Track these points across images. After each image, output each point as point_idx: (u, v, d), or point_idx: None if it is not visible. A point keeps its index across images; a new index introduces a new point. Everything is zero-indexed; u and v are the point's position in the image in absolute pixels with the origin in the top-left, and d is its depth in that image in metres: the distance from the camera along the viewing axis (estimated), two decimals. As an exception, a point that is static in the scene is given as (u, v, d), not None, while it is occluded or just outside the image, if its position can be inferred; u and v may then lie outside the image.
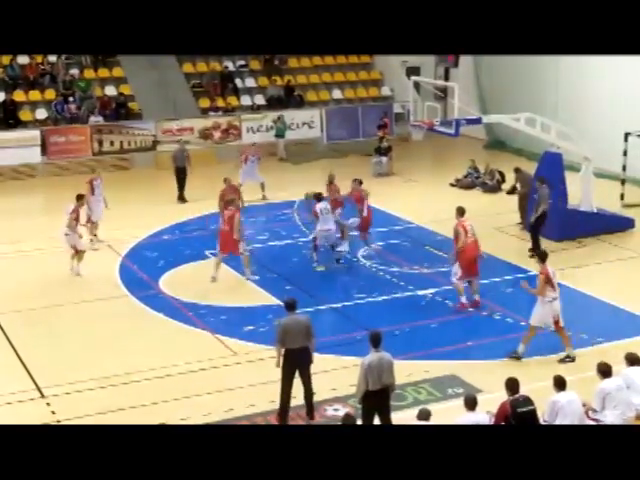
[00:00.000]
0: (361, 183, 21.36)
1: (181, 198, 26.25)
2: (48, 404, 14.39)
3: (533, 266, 19.98)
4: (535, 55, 18.04)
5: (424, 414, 11.39)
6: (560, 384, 11.86)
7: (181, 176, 26.24)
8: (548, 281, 15.26)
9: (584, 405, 12.00)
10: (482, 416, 11.20)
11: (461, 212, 18.13)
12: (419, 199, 25.89)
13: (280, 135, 31.75)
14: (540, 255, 15.95)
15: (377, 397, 12.47)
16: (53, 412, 14.04)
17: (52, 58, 32.72)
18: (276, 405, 13.99)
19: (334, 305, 18.23)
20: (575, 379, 12.47)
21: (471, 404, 11.31)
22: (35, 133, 30.09)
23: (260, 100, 34.16)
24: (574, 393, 11.92)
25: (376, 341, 12.55)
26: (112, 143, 30.89)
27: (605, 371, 12.21)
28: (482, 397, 12.99)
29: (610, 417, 11.93)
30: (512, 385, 11.64)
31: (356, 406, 14.03)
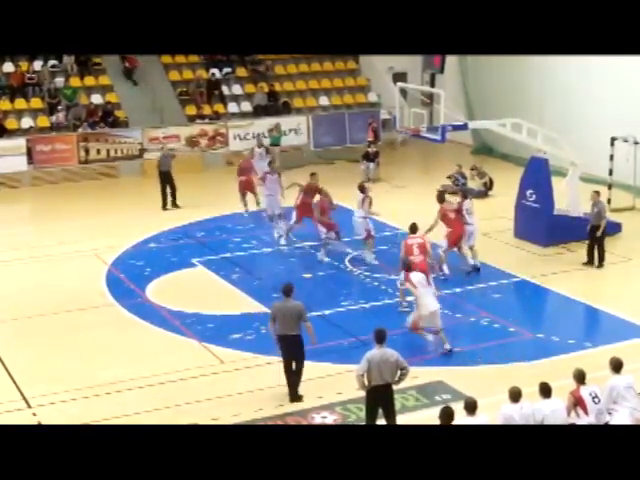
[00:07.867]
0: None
1: (174, 204, 26.17)
2: (34, 414, 14.31)
3: (523, 271, 20.09)
4: (522, 55, 17.96)
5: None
6: (545, 391, 11.82)
7: (167, 181, 26.14)
8: None
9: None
10: (482, 418, 11.17)
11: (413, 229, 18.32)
12: (406, 205, 25.80)
13: (276, 144, 31.66)
14: None
15: (380, 392, 12.66)
16: (39, 422, 13.95)
17: (37, 67, 32.62)
18: (263, 414, 13.97)
19: (320, 312, 18.17)
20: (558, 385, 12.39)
21: (471, 408, 11.27)
22: (21, 142, 29.99)
23: (247, 107, 34.13)
24: (559, 401, 11.86)
25: (380, 337, 12.71)
26: (99, 151, 30.79)
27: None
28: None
29: (621, 414, 12.00)
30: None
31: (344, 413, 14.06)
